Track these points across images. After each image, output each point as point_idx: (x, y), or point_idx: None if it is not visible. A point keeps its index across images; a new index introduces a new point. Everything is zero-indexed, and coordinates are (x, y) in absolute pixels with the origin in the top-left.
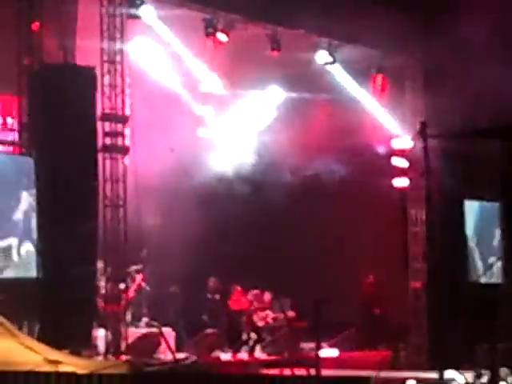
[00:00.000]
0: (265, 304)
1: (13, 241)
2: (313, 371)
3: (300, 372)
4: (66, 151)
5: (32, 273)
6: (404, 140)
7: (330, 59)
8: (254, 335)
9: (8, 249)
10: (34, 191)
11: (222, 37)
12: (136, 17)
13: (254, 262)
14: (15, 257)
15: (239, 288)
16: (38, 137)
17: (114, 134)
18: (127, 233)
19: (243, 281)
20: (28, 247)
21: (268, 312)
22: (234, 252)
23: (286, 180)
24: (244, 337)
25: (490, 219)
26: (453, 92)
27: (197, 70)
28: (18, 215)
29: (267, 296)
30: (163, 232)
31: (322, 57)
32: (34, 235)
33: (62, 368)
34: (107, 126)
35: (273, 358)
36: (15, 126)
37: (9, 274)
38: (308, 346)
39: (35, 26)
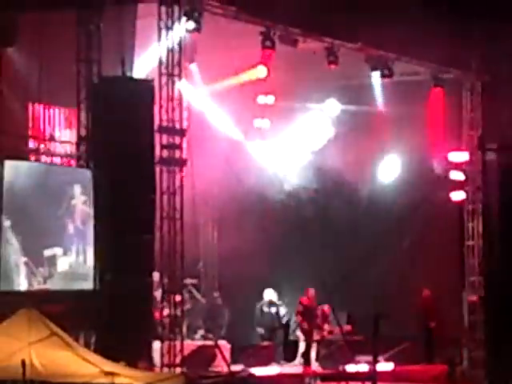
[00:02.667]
0: (322, 317)
1: (58, 251)
2: None
3: None
4: (123, 163)
5: (76, 285)
6: (461, 153)
7: (388, 73)
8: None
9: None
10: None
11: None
12: (194, 30)
13: (312, 275)
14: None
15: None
16: (97, 149)
17: (172, 147)
18: (184, 245)
19: (300, 294)
20: (71, 258)
21: (325, 325)
22: (292, 264)
23: (345, 194)
24: (300, 349)
25: None
26: (510, 105)
27: (253, 82)
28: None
29: (326, 309)
30: (220, 244)
31: (377, 72)
32: (85, 245)
33: (118, 380)
34: (164, 139)
35: (329, 371)
36: (74, 139)
37: (53, 284)
38: (364, 359)
39: (93, 39)
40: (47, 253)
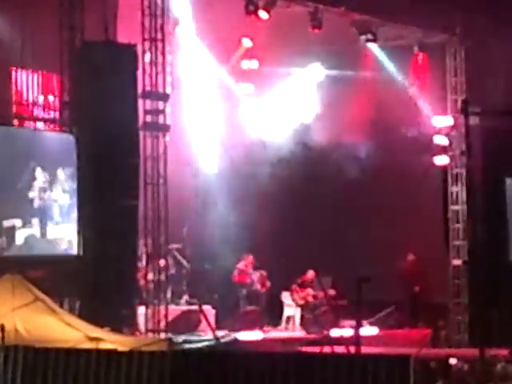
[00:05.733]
0: (307, 282)
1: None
2: (353, 349)
3: (340, 350)
4: (107, 129)
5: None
6: (445, 118)
7: (371, 37)
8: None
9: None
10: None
11: (263, 14)
12: None
13: (295, 240)
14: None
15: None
16: (80, 114)
17: (155, 112)
18: (168, 210)
19: (283, 259)
20: (29, 231)
21: (309, 290)
22: (274, 230)
23: (329, 158)
24: (285, 314)
25: None
26: (494, 69)
27: (237, 48)
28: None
29: (310, 274)
30: (203, 210)
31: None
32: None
33: (103, 345)
34: (148, 104)
35: (313, 335)
36: (56, 104)
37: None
38: (348, 324)
39: (76, 3)
40: (6, 224)
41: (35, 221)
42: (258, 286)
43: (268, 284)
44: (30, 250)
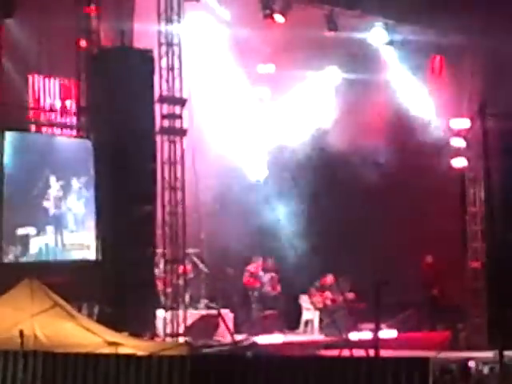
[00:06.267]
0: (326, 286)
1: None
2: (372, 352)
3: (359, 353)
4: (124, 134)
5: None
6: (462, 120)
7: (387, 39)
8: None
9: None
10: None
11: (279, 18)
12: None
13: (314, 243)
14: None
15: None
16: (97, 120)
17: (172, 117)
18: (185, 215)
19: (302, 263)
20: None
21: (327, 293)
22: (293, 233)
23: (345, 160)
24: (303, 318)
25: None
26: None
27: (254, 51)
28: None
29: (330, 278)
30: (221, 215)
31: (378, 36)
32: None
33: (122, 350)
34: (165, 109)
35: (332, 339)
36: (74, 110)
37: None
38: (367, 327)
39: (92, 9)
40: (20, 232)
41: (50, 229)
42: (268, 289)
43: (279, 287)
44: (45, 257)
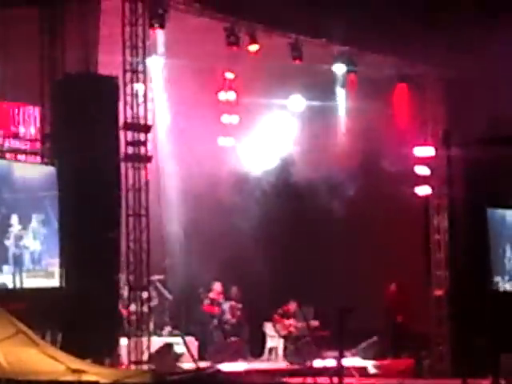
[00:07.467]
0: (289, 313)
1: None
2: (336, 380)
3: (323, 381)
4: (88, 160)
5: None
6: (426, 148)
7: (351, 67)
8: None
9: None
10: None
11: (252, 47)
12: (157, 26)
13: (277, 270)
14: None
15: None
16: (61, 146)
17: (137, 143)
18: (150, 242)
19: (265, 290)
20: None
21: (291, 321)
22: (257, 260)
23: (310, 188)
24: (267, 345)
25: None
26: (475, 100)
27: (218, 79)
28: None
29: (292, 305)
30: (186, 241)
31: (341, 67)
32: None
33: (85, 377)
34: (130, 136)
35: (295, 366)
36: (38, 136)
37: None
38: (331, 354)
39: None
40: None
41: (7, 268)
42: (228, 316)
43: (239, 314)
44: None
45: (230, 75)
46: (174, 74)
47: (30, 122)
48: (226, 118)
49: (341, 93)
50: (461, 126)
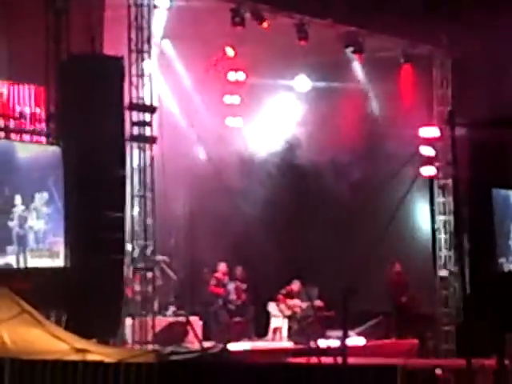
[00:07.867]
0: (293, 293)
1: None
2: (340, 360)
3: (327, 360)
4: (93, 141)
5: None
6: (432, 129)
7: (357, 47)
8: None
9: None
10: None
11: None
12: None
13: (282, 251)
14: None
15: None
16: (66, 127)
17: (142, 124)
18: (155, 222)
19: (270, 271)
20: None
21: (296, 301)
22: (262, 241)
23: (315, 169)
24: (272, 325)
25: None
26: (481, 80)
27: (225, 59)
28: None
29: (296, 285)
30: (190, 222)
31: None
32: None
33: (90, 357)
34: (135, 116)
35: (300, 346)
36: (43, 116)
37: None
38: (335, 334)
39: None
40: None
41: (11, 249)
42: (233, 297)
43: (244, 295)
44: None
45: (230, 52)
46: (180, 54)
47: (35, 102)
48: (230, 99)
49: (346, 73)
50: (466, 107)
